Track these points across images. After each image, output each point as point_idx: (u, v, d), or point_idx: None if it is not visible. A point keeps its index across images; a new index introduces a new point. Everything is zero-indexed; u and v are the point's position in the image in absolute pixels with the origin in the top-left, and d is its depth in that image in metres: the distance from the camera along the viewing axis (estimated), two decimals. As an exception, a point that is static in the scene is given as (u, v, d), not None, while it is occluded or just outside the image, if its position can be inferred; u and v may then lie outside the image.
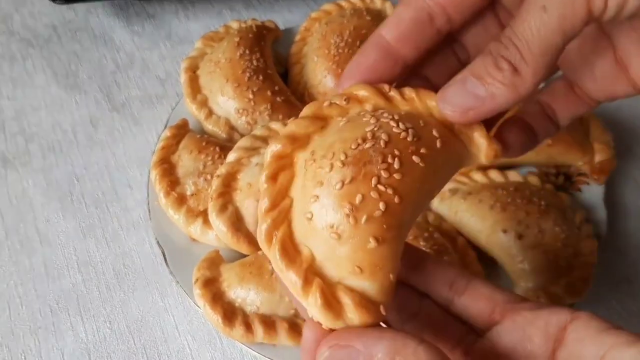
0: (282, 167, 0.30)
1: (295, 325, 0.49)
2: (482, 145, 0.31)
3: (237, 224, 0.52)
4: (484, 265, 0.53)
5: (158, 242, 0.55)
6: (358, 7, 0.73)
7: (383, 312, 0.27)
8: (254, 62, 0.65)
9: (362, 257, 0.27)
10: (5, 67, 0.73)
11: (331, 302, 0.27)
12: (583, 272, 0.52)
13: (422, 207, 0.30)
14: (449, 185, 0.59)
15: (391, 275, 0.28)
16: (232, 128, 0.64)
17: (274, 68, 0.68)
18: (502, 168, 0.60)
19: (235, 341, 0.49)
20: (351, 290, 0.27)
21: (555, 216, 0.54)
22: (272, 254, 0.28)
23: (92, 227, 0.59)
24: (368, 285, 0.27)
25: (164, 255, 0.54)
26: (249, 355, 0.51)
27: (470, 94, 0.29)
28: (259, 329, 0.49)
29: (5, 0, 0.81)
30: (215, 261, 0.52)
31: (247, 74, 0.64)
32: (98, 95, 0.70)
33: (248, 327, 0.49)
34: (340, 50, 0.67)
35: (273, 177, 0.30)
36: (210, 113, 0.64)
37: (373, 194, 0.27)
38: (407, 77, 0.33)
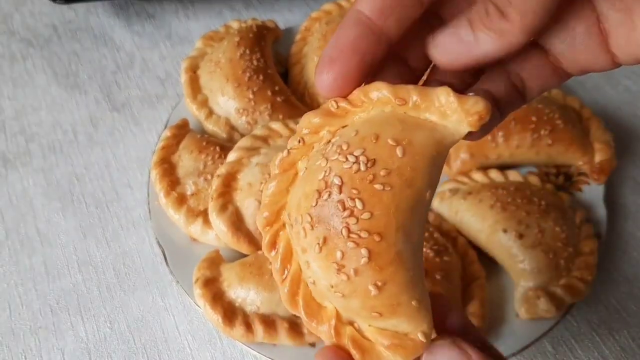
0: (277, 232, 0.29)
1: (295, 325, 0.48)
2: (451, 105, 0.27)
3: (237, 223, 0.52)
4: (484, 265, 0.53)
5: (158, 242, 0.54)
6: (358, 7, 0.74)
7: (423, 339, 0.27)
8: (254, 62, 0.65)
9: (373, 304, 0.27)
10: (5, 67, 0.73)
11: (364, 348, 0.27)
12: (583, 272, 0.52)
13: (418, 214, 0.28)
14: (449, 185, 0.59)
15: (414, 302, 0.27)
16: (232, 128, 0.63)
17: (274, 68, 0.68)
18: (502, 168, 0.60)
19: (236, 341, 0.49)
20: (383, 331, 0.27)
21: (556, 216, 0.54)
22: (302, 317, 0.29)
23: (92, 227, 0.59)
24: (395, 322, 0.27)
25: (164, 255, 0.53)
26: (249, 355, 0.51)
27: (458, 39, 0.27)
28: (259, 329, 0.49)
29: (6, 0, 0.81)
30: (215, 261, 0.52)
31: (248, 74, 0.64)
32: (98, 95, 0.70)
33: (248, 326, 0.49)
34: (340, 50, 0.67)
35: (273, 244, 0.29)
36: (210, 113, 0.64)
37: (350, 245, 0.26)
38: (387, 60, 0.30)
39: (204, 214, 0.54)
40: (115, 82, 0.71)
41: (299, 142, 0.30)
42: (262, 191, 0.51)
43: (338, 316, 0.28)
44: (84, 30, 0.77)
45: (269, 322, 0.49)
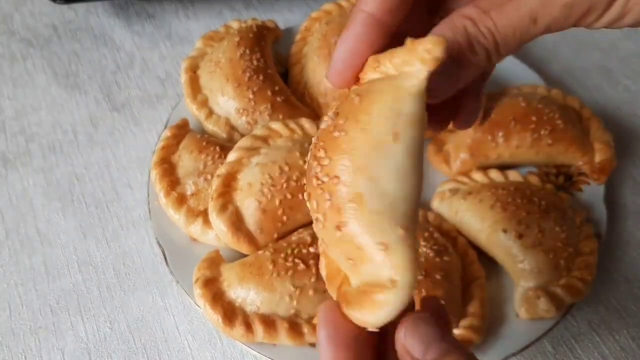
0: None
1: (295, 325, 0.49)
2: (409, 51, 0.27)
3: (237, 223, 0.52)
4: (484, 265, 0.53)
5: (158, 242, 0.54)
6: (358, 7, 0.74)
7: (389, 286, 0.27)
8: (254, 62, 0.65)
9: (343, 249, 0.28)
10: (5, 67, 0.73)
11: (349, 300, 0.28)
12: (583, 272, 0.52)
13: (387, 158, 0.27)
14: (449, 185, 0.59)
15: (379, 246, 0.27)
16: (232, 128, 0.63)
17: (274, 68, 0.68)
18: (502, 168, 0.60)
19: (236, 341, 0.49)
20: (368, 283, 0.27)
21: (556, 216, 0.54)
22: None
23: (92, 227, 0.59)
24: (368, 268, 0.27)
25: (164, 255, 0.53)
26: (249, 355, 0.51)
27: (445, 79, 0.29)
28: (259, 329, 0.49)
29: (6, 0, 0.81)
30: (215, 261, 0.52)
31: (248, 74, 0.64)
32: (98, 95, 0.70)
33: (248, 326, 0.49)
34: (340, 50, 0.67)
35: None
36: (210, 113, 0.64)
37: (318, 192, 0.28)
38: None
39: (204, 214, 0.54)
40: (115, 82, 0.71)
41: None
42: (262, 191, 0.52)
43: (344, 279, 0.29)
44: (84, 30, 0.77)
45: (269, 322, 0.49)
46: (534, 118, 0.59)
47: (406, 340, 0.27)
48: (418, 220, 0.29)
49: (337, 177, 0.27)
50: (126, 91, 0.70)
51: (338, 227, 0.27)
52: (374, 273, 0.27)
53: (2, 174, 0.63)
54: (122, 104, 0.69)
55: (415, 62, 0.27)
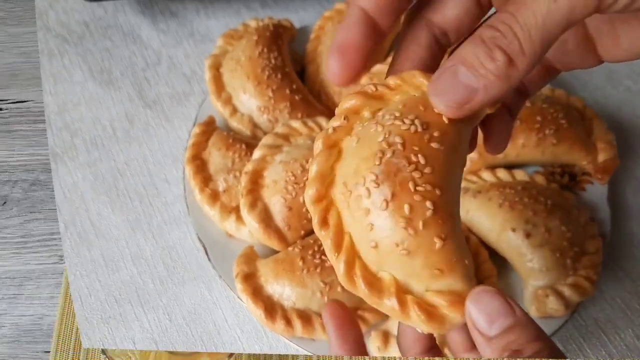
0: (327, 209, 0.30)
1: None
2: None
3: (267, 220, 0.54)
4: (495, 264, 0.55)
5: (199, 237, 0.56)
6: (367, 6, 0.77)
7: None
8: (272, 61, 0.67)
9: (436, 259, 0.28)
10: (45, 63, 0.77)
11: (431, 312, 0.28)
12: (589, 271, 0.53)
13: (459, 185, 0.31)
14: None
15: (466, 261, 0.29)
16: (255, 126, 0.66)
17: (292, 66, 0.70)
18: (509, 167, 0.62)
19: (278, 335, 0.51)
20: (440, 292, 0.28)
21: (561, 215, 0.55)
22: (361, 293, 0.29)
23: (138, 222, 0.62)
24: (451, 281, 0.28)
25: (205, 250, 0.55)
26: (292, 348, 0.53)
27: (462, 86, 0.27)
28: (297, 324, 0.50)
29: (40, -3, 0.84)
30: (251, 257, 0.53)
31: (267, 72, 0.66)
32: (131, 91, 0.74)
33: (288, 321, 0.50)
34: (352, 49, 0.70)
35: (324, 222, 0.30)
36: (234, 111, 0.67)
37: (417, 198, 0.27)
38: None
39: (237, 210, 0.57)
40: (146, 79, 0.75)
41: (345, 119, 0.31)
42: (286, 189, 0.55)
43: (397, 284, 0.28)
44: (113, 27, 0.81)
45: (305, 317, 0.50)
46: (538, 118, 0.61)
47: (470, 312, 0.27)
48: None
49: (440, 189, 0.28)
50: (156, 88, 0.74)
51: (440, 238, 0.27)
52: (453, 284, 0.28)
53: (53, 168, 0.67)
54: (153, 101, 0.73)
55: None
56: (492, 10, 0.32)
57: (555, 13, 0.25)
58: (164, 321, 0.56)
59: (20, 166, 0.74)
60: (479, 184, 0.60)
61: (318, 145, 0.30)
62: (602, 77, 0.75)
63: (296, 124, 0.62)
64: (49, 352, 0.60)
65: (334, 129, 0.31)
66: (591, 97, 0.73)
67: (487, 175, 0.61)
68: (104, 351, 0.55)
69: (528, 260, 0.53)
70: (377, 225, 0.28)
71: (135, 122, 0.72)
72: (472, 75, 0.27)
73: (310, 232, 0.56)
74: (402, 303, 0.28)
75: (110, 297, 0.58)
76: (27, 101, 0.79)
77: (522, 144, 0.61)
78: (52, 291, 0.63)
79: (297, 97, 0.66)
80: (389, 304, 0.28)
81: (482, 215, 0.56)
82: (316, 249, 0.53)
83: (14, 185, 0.72)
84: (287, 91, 0.66)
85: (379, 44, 0.31)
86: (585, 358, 0.54)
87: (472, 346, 0.31)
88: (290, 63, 0.70)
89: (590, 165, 0.62)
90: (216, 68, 0.70)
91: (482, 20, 0.31)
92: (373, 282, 0.29)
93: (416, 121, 0.29)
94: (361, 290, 0.29)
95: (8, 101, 0.79)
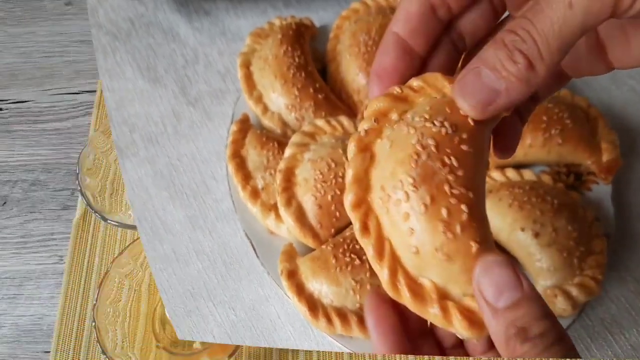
0: (366, 215, 0.30)
1: (363, 318, 0.50)
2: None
3: (302, 218, 0.54)
4: None
5: (246, 234, 0.57)
6: (382, 5, 0.79)
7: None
8: (296, 59, 0.70)
9: (473, 263, 0.27)
10: (101, 60, 0.79)
11: (472, 318, 0.28)
12: (595, 271, 0.54)
13: (485, 187, 0.30)
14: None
15: None
16: (284, 124, 0.68)
17: (314, 65, 0.73)
18: (517, 167, 0.63)
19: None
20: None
21: (568, 215, 0.55)
22: (405, 301, 0.29)
23: (195, 218, 0.62)
24: None
25: (253, 247, 0.56)
26: (336, 346, 0.53)
27: (485, 88, 0.28)
28: (336, 321, 0.50)
29: (89, -6, 0.86)
30: (291, 254, 0.54)
31: (292, 71, 0.68)
32: (175, 89, 0.76)
33: (328, 318, 0.50)
34: (368, 48, 0.71)
35: (365, 228, 0.29)
36: (265, 109, 0.69)
37: (453, 201, 0.27)
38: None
39: (275, 207, 0.58)
40: (187, 77, 0.78)
41: (375, 121, 0.31)
42: (315, 187, 0.55)
43: (438, 291, 0.28)
44: (154, 25, 0.85)
45: (342, 314, 0.50)
46: (545, 118, 0.61)
47: (479, 281, 0.27)
48: None
49: (473, 192, 0.28)
50: (196, 86, 0.76)
51: (476, 241, 0.27)
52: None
53: (121, 163, 0.69)
54: (194, 99, 0.77)
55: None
56: (506, 13, 0.33)
57: (571, 19, 0.26)
58: (231, 316, 0.57)
59: (20, 166, 0.76)
60: (490, 184, 0.61)
61: (352, 149, 0.31)
62: (606, 77, 0.75)
63: (320, 123, 0.65)
64: (49, 352, 0.60)
65: (365, 131, 0.31)
66: (595, 97, 0.73)
67: (497, 175, 0.62)
68: (104, 351, 0.56)
69: (537, 260, 0.54)
70: (417, 230, 0.28)
71: (182, 119, 0.76)
72: (495, 77, 0.27)
73: (340, 230, 0.57)
74: (444, 310, 0.28)
75: (187, 291, 0.59)
76: (27, 101, 0.81)
77: (529, 144, 0.62)
78: (52, 291, 0.64)
79: (320, 96, 0.70)
80: (432, 312, 0.28)
81: (493, 215, 0.56)
82: (346, 247, 0.53)
83: (14, 185, 0.74)
84: (311, 90, 0.69)
85: (415, 66, 0.33)
86: (592, 358, 0.54)
87: (490, 347, 0.31)
88: (312, 62, 0.73)
89: (595, 165, 0.62)
90: (247, 66, 0.73)
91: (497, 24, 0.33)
92: (416, 289, 0.29)
93: (445, 123, 0.29)
94: (405, 298, 0.29)
95: (8, 101, 0.81)
